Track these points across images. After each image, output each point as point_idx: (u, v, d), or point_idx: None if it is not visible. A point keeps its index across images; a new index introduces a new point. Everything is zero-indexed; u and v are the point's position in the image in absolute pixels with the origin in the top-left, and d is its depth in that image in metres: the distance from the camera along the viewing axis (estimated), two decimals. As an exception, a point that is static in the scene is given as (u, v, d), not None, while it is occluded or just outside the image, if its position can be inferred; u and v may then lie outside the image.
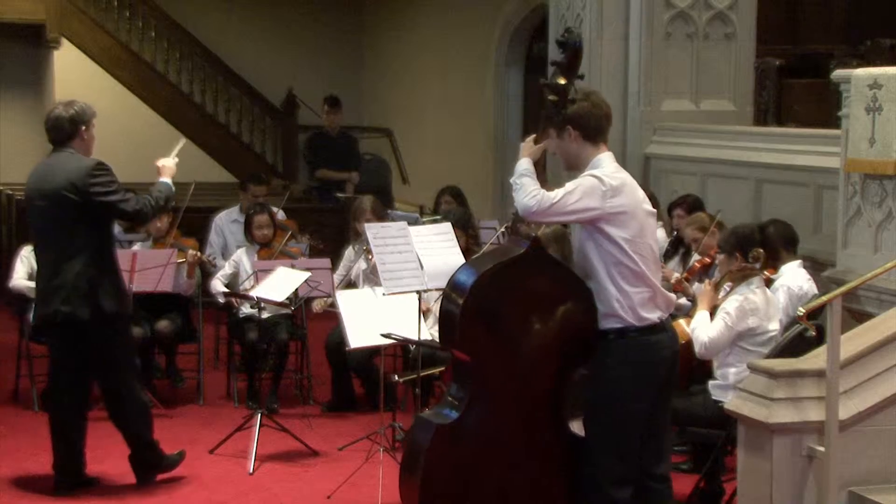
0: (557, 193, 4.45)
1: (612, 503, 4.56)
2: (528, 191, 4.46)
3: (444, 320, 4.70)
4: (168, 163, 6.32)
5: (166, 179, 6.25)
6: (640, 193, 4.65)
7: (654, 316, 4.57)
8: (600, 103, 4.66)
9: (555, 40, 4.64)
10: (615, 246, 4.49)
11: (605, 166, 4.57)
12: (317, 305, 7.85)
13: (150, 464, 6.25)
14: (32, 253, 7.80)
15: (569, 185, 4.50)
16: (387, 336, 6.15)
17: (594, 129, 4.60)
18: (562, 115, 4.55)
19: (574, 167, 4.68)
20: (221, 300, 7.97)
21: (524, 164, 4.56)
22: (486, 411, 4.63)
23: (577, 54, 4.55)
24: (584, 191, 4.46)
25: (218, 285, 7.99)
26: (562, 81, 4.53)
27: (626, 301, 4.51)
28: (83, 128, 6.04)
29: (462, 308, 4.55)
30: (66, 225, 5.94)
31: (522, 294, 4.62)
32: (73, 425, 6.15)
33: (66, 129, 6.01)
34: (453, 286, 4.67)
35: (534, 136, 4.67)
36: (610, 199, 4.47)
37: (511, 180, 4.58)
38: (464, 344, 4.62)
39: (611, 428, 4.56)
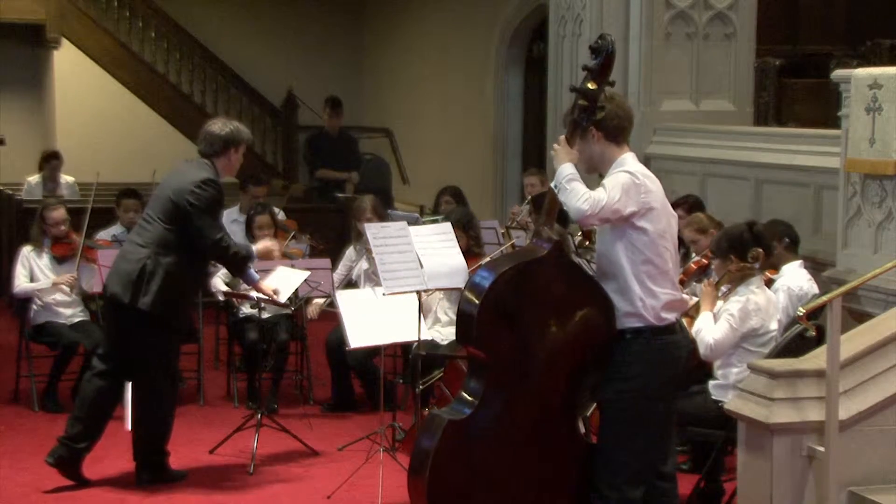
0: (603, 195, 4.48)
1: (627, 502, 4.59)
2: (579, 195, 4.47)
3: (462, 318, 4.73)
4: (274, 247, 6.80)
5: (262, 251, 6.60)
6: (664, 192, 4.69)
7: (671, 316, 4.62)
8: (623, 105, 4.73)
9: (588, 46, 4.67)
10: (647, 242, 4.53)
11: (631, 165, 4.61)
12: (312, 311, 7.89)
13: (154, 468, 6.25)
14: (32, 253, 7.85)
15: (607, 184, 4.53)
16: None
17: (618, 129, 4.65)
18: (591, 121, 4.58)
19: (595, 169, 4.72)
20: (221, 298, 7.97)
21: (569, 169, 4.56)
22: (500, 410, 4.64)
23: (609, 60, 4.58)
24: (623, 188, 4.50)
25: (219, 283, 7.98)
26: (592, 87, 4.57)
27: (651, 301, 4.54)
28: (233, 150, 6.24)
29: (480, 307, 4.57)
30: (157, 219, 6.10)
31: (540, 296, 4.64)
32: (104, 407, 6.19)
33: (217, 146, 6.21)
34: (472, 286, 4.70)
35: (562, 137, 4.68)
36: (644, 194, 4.52)
37: (554, 184, 4.59)
38: (480, 343, 4.64)
39: (628, 426, 4.58)
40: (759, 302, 5.77)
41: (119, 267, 6.14)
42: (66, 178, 11.35)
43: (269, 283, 6.65)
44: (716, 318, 5.80)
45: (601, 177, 4.69)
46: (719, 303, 5.89)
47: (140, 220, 6.35)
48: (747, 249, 5.83)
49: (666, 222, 4.61)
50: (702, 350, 5.72)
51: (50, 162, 11.30)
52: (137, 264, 6.02)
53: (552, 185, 4.64)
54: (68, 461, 6.14)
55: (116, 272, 6.14)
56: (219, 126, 6.24)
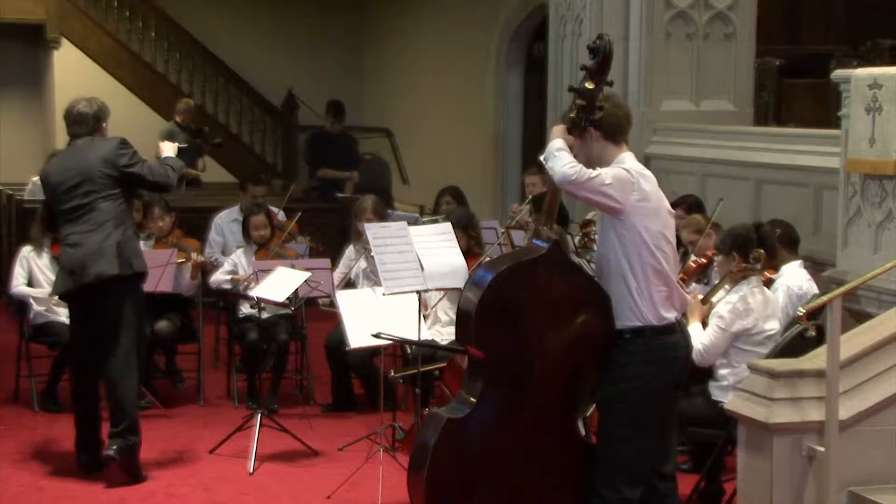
0: (594, 172, 4.51)
1: (625, 502, 4.59)
2: (566, 161, 4.51)
3: (461, 317, 4.74)
4: (168, 144, 6.73)
5: (172, 154, 6.56)
6: (661, 192, 4.70)
7: (671, 316, 4.62)
8: (620, 104, 4.75)
9: (586, 46, 4.68)
10: (639, 240, 4.54)
11: (628, 164, 4.63)
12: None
13: (128, 448, 6.22)
14: (33, 253, 7.84)
15: (601, 170, 4.56)
16: (377, 336, 6.12)
17: (615, 128, 4.66)
18: (589, 121, 4.60)
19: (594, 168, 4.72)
20: (228, 286, 7.96)
21: (559, 143, 4.59)
22: (499, 409, 4.64)
23: (607, 60, 4.59)
24: (614, 177, 4.52)
25: (220, 277, 7.99)
26: (590, 86, 4.58)
27: (647, 299, 4.55)
28: (104, 124, 6.47)
29: (478, 306, 4.58)
30: (95, 199, 6.21)
31: (539, 295, 4.64)
32: (94, 406, 6.36)
33: (90, 125, 6.40)
34: (471, 284, 4.72)
35: (563, 125, 4.70)
36: (636, 192, 4.53)
37: (542, 157, 4.62)
38: (479, 341, 4.64)
39: (627, 427, 4.58)
40: (750, 302, 5.78)
41: (84, 255, 6.15)
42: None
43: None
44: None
45: None
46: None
47: (70, 210, 6.26)
48: (750, 250, 5.84)
49: (661, 222, 4.61)
50: (693, 356, 5.72)
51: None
52: (109, 239, 6.16)
53: (541, 157, 4.64)
54: (96, 459, 6.31)
55: (84, 260, 6.15)
56: (84, 105, 6.42)
